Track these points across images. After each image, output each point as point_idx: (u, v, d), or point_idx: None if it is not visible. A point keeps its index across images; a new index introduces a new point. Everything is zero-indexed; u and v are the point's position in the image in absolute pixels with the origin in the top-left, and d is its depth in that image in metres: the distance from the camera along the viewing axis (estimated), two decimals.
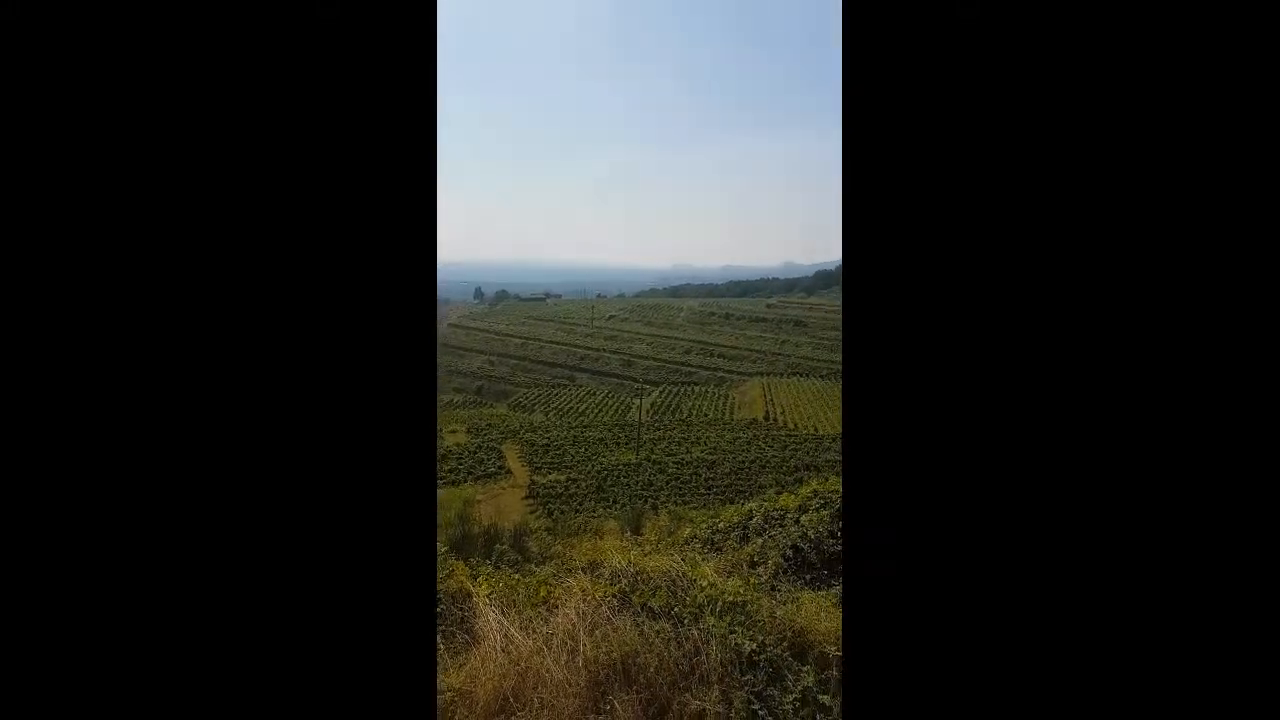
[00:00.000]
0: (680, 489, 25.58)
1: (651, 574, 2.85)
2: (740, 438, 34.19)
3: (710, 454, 30.38)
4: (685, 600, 2.76)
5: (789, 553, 3.73)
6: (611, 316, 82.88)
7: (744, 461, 28.94)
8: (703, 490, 25.18)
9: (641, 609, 2.57)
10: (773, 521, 4.08)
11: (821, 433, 34.40)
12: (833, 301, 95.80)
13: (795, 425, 38.42)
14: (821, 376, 56.18)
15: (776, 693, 2.87)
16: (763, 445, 32.13)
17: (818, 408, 42.51)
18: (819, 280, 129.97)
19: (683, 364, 62.29)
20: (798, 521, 3.99)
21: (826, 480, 5.56)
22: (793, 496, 4.45)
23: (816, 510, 4.09)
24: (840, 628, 2.95)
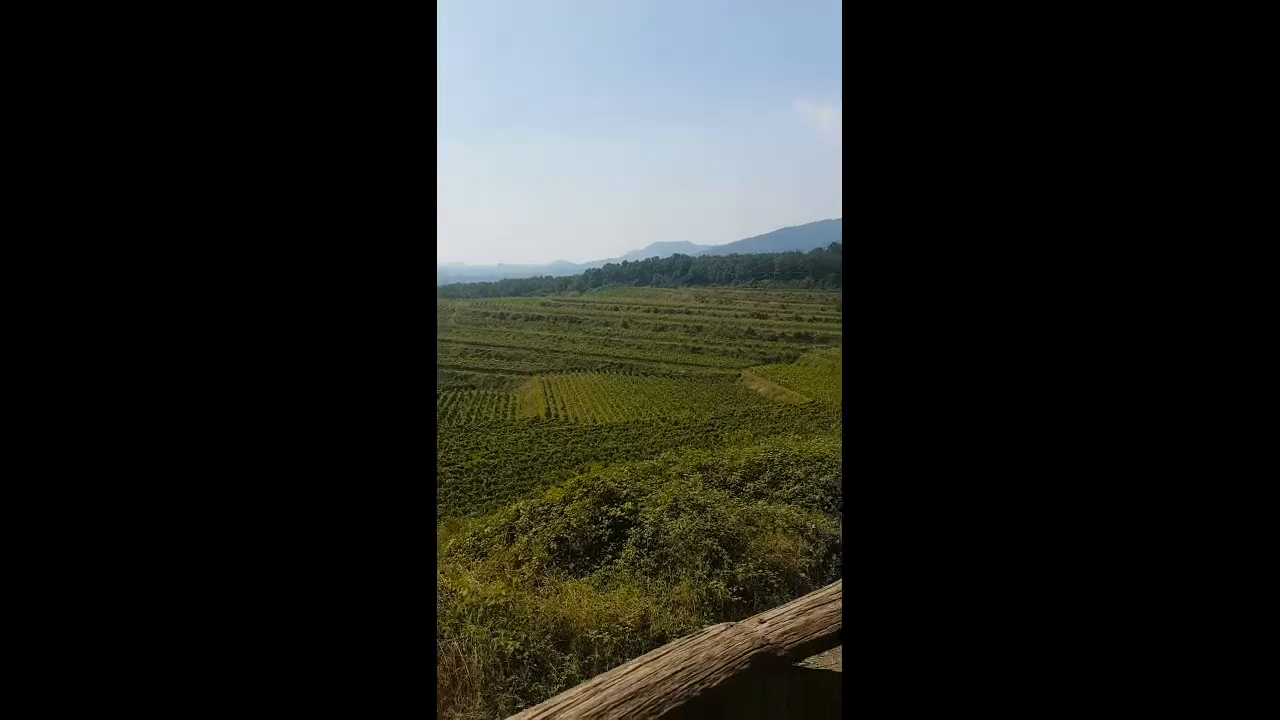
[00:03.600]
0: (460, 498, 24.62)
1: None
2: (522, 437, 34.03)
3: (491, 458, 29.73)
4: (445, 614, 2.66)
5: (553, 545, 3.80)
6: None
7: (526, 461, 28.88)
8: (484, 496, 24.58)
9: None
10: (538, 517, 4.12)
11: (600, 423, 35.81)
12: (602, 298, 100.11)
13: (576, 419, 39.43)
14: (597, 370, 58.42)
15: (542, 686, 2.92)
16: (545, 442, 32.40)
17: (595, 400, 44.17)
18: (590, 278, 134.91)
19: (458, 367, 59.79)
20: (562, 513, 4.08)
21: (606, 467, 5.77)
22: (559, 489, 4.53)
23: (580, 499, 4.22)
24: (598, 612, 3.10)
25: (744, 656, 0.79)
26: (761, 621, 0.86)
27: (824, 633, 0.82)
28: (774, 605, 2.67)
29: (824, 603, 0.87)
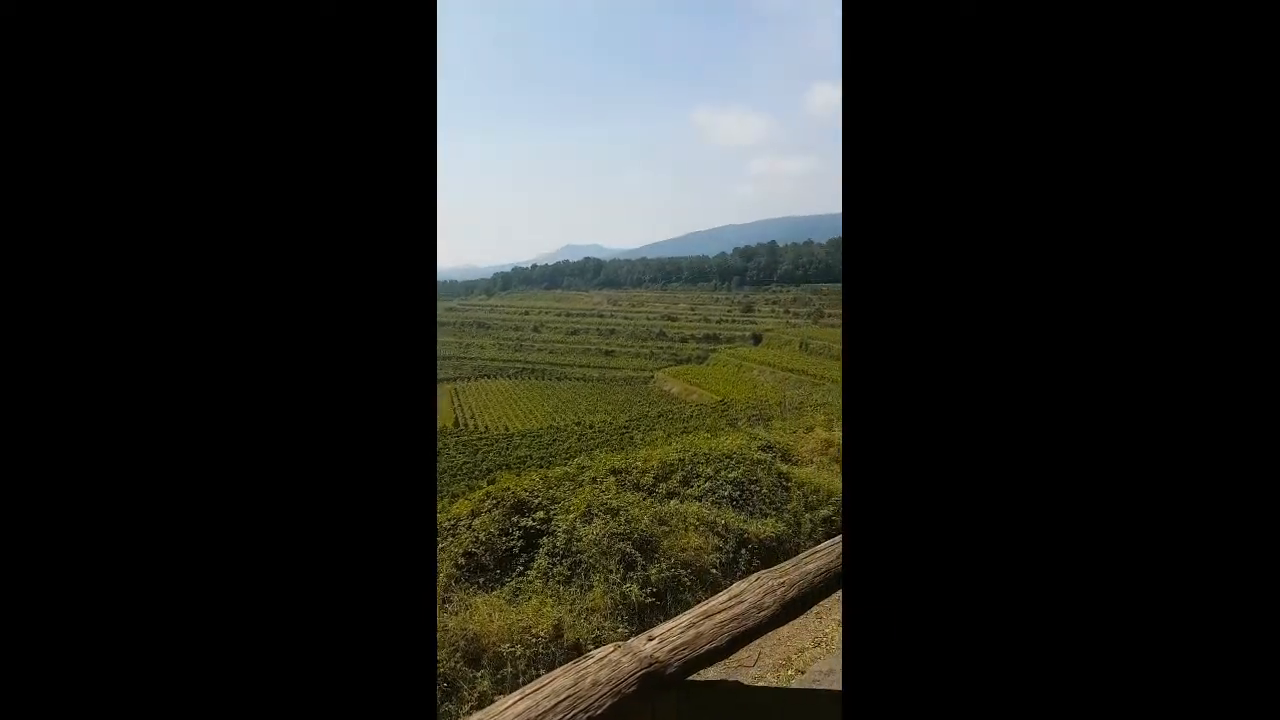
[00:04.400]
0: None
1: None
2: None
3: None
4: None
5: (461, 561, 3.66)
6: None
7: None
8: None
9: None
10: (444, 533, 3.95)
11: (512, 431, 35.06)
12: (511, 302, 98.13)
13: (486, 427, 38.38)
14: (508, 376, 57.20)
15: (453, 706, 2.79)
16: (453, 453, 31.29)
17: (507, 407, 43.23)
18: (498, 282, 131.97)
19: None
20: (470, 527, 3.94)
21: (518, 476, 5.61)
22: (467, 502, 4.38)
23: (488, 512, 4.09)
24: (510, 625, 3.00)
25: (631, 678, 0.76)
26: (651, 639, 0.83)
27: (714, 644, 0.80)
28: (688, 605, 2.68)
29: (714, 613, 0.85)
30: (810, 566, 1.00)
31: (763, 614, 0.85)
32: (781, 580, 0.93)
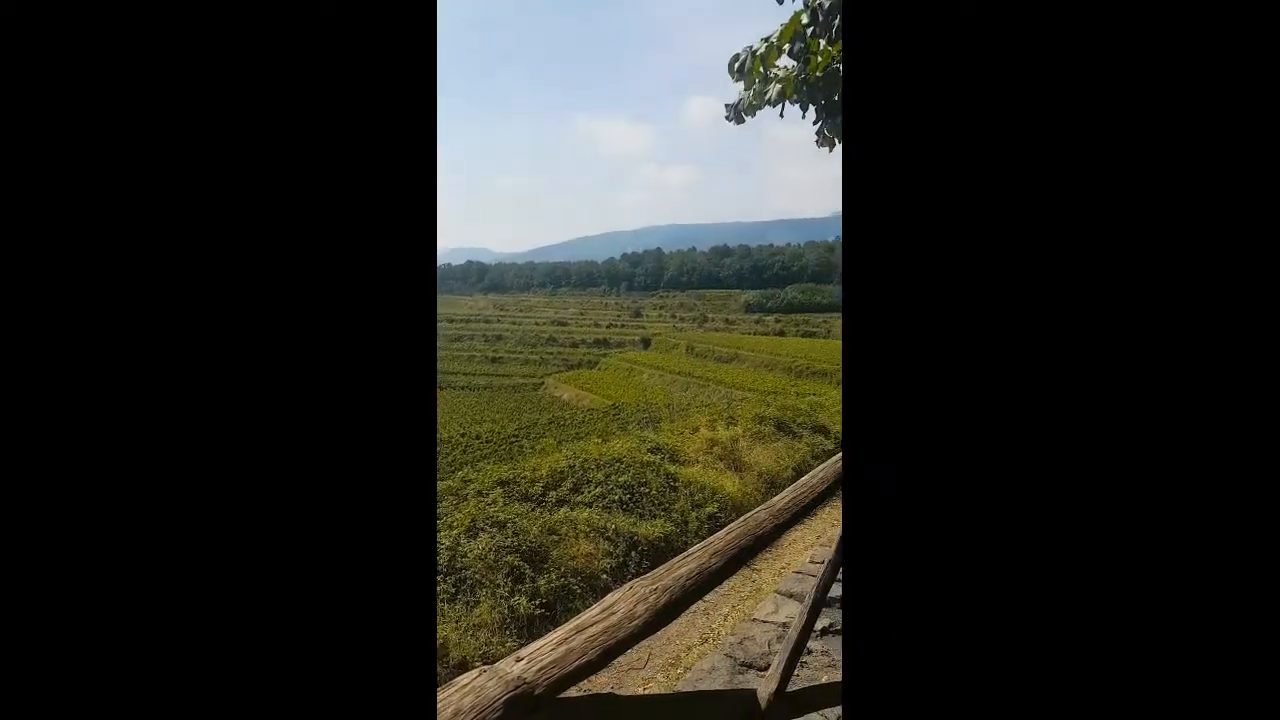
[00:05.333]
0: None
1: None
2: None
3: None
4: None
5: None
6: None
7: None
8: None
9: None
10: None
11: None
12: None
13: None
14: None
15: None
16: None
17: None
18: None
19: None
20: None
21: None
22: None
23: None
24: None
25: (496, 703, 0.73)
26: (519, 659, 0.81)
27: (585, 659, 0.80)
28: (576, 612, 2.65)
29: (585, 627, 0.84)
30: (683, 570, 1.02)
31: (635, 623, 0.86)
32: (654, 587, 0.94)
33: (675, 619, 0.96)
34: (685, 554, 1.09)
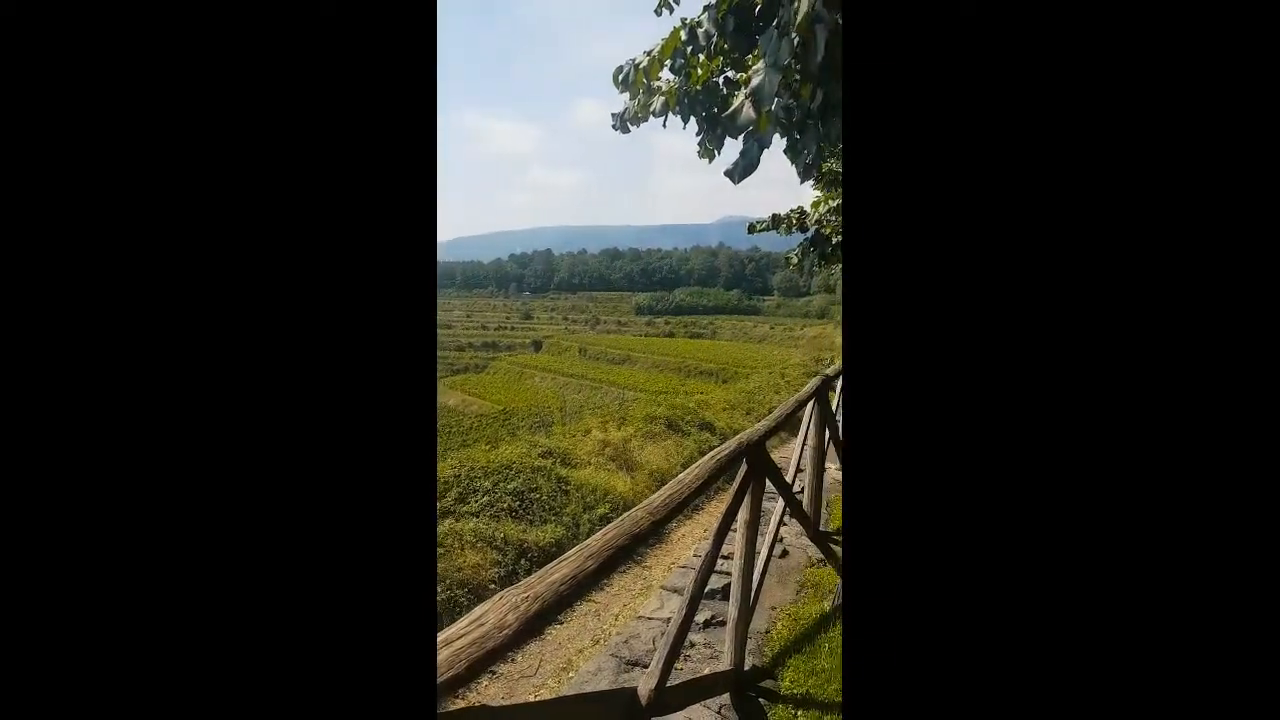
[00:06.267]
0: None
1: None
2: None
3: None
4: None
5: None
6: None
7: None
8: None
9: None
10: None
11: None
12: None
13: None
14: None
15: None
16: None
17: None
18: None
19: None
20: None
21: None
22: None
23: None
24: None
25: None
26: None
27: (453, 673, 0.79)
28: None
29: (452, 641, 0.83)
30: (556, 576, 1.03)
31: (505, 633, 0.86)
32: (526, 595, 0.95)
33: (550, 625, 0.97)
34: (560, 559, 1.10)
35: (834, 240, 5.25)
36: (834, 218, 5.25)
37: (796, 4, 1.49)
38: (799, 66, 1.80)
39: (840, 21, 1.65)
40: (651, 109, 2.96)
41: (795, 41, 1.49)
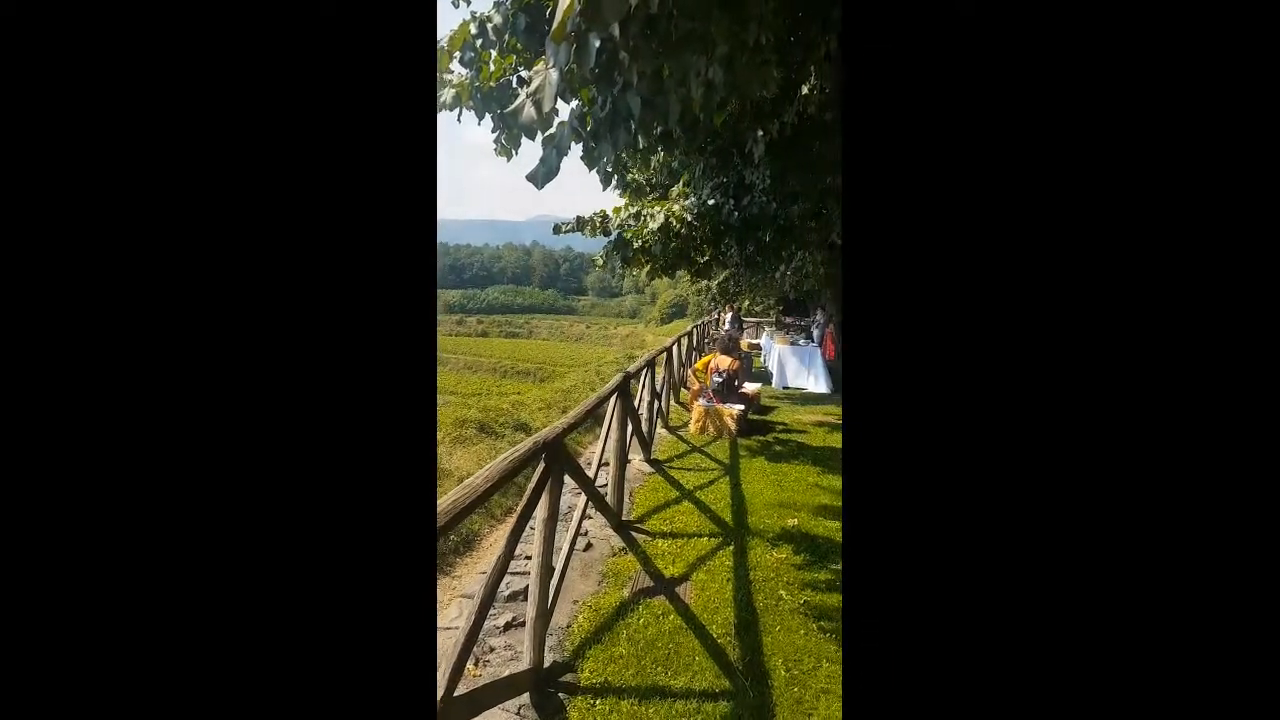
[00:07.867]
0: None
1: None
2: None
3: None
4: None
5: None
6: None
7: None
8: None
9: None
10: None
11: None
12: None
13: None
14: None
15: None
16: None
17: None
18: None
19: None
20: None
21: None
22: None
23: None
24: None
25: None
26: None
27: None
28: None
29: None
30: None
31: None
32: None
33: None
34: None
35: (635, 245, 5.50)
36: (634, 223, 5.50)
37: (551, 7, 1.52)
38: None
39: (616, 34, 1.72)
40: (443, 101, 2.85)
41: (573, 47, 1.54)
